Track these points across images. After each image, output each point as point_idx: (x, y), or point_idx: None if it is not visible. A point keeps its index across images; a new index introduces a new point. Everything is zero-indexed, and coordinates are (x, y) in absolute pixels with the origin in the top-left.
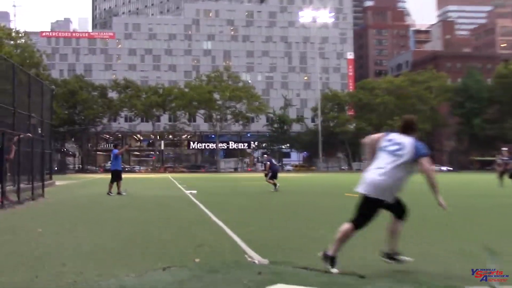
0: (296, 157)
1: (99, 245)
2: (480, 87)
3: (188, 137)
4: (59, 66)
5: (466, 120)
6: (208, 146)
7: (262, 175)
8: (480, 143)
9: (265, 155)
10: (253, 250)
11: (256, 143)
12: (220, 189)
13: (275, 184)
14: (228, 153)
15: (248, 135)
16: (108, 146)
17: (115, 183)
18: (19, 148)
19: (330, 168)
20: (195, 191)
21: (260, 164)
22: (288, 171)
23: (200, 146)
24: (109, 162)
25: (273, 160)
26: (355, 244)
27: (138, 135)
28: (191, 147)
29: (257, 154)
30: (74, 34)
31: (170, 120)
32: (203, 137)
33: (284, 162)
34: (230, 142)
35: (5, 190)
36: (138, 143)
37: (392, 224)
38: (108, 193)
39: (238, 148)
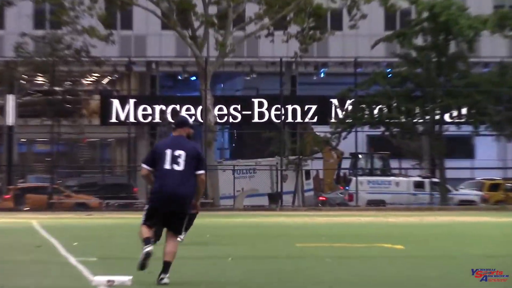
0: (494, 154)
1: None
2: None
3: (102, 78)
4: None
5: None
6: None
7: (366, 218)
8: None
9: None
10: None
11: (348, 108)
12: (220, 270)
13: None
14: (247, 144)
15: (321, 75)
16: None
17: None
18: None
19: None
20: (128, 279)
21: (352, 181)
22: (468, 205)
23: (147, 119)
24: None
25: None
26: None
27: None
28: (114, 118)
29: (352, 145)
30: None
31: (38, 24)
32: (160, 87)
33: (450, 175)
34: (255, 102)
35: None
36: None
37: None
38: None
39: (284, 123)
